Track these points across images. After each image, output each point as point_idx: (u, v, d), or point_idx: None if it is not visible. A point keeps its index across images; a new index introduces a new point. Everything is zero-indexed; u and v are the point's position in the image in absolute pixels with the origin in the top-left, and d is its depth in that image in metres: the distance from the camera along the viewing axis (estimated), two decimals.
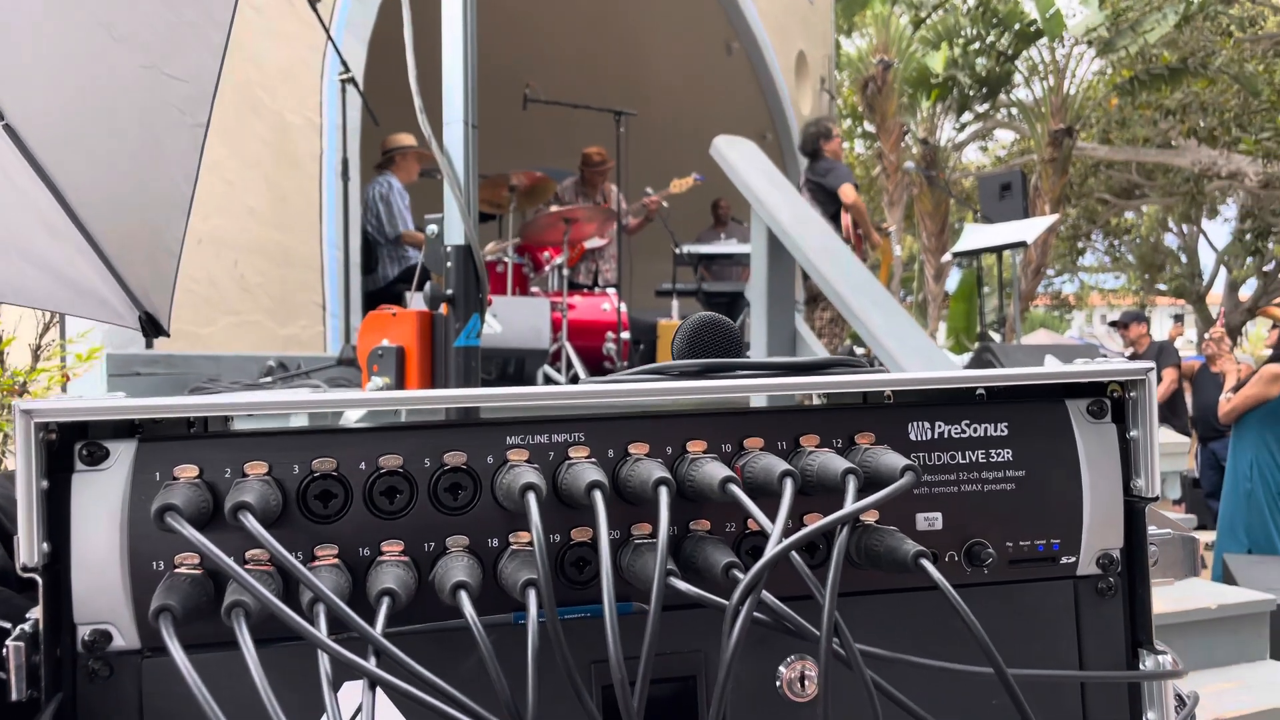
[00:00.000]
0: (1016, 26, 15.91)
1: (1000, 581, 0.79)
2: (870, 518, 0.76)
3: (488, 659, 0.58)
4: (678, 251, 8.50)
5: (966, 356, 7.52)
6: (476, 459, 0.71)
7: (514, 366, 5.67)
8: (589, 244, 7.34)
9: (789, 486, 0.66)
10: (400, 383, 2.50)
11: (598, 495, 0.64)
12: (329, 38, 5.05)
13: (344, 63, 5.11)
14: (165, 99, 1.13)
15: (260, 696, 0.55)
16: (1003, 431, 0.79)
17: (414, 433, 0.71)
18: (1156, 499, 0.80)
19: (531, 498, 0.63)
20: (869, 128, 15.79)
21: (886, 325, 3.17)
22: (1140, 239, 27.09)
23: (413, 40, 2.50)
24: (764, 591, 0.62)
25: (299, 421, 0.77)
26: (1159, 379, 8.83)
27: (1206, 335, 6.80)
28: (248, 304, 5.31)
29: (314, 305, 5.79)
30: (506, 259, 6.79)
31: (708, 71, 11.38)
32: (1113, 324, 10.17)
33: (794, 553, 0.62)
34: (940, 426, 0.78)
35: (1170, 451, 4.97)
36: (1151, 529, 0.84)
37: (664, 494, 0.65)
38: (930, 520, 0.77)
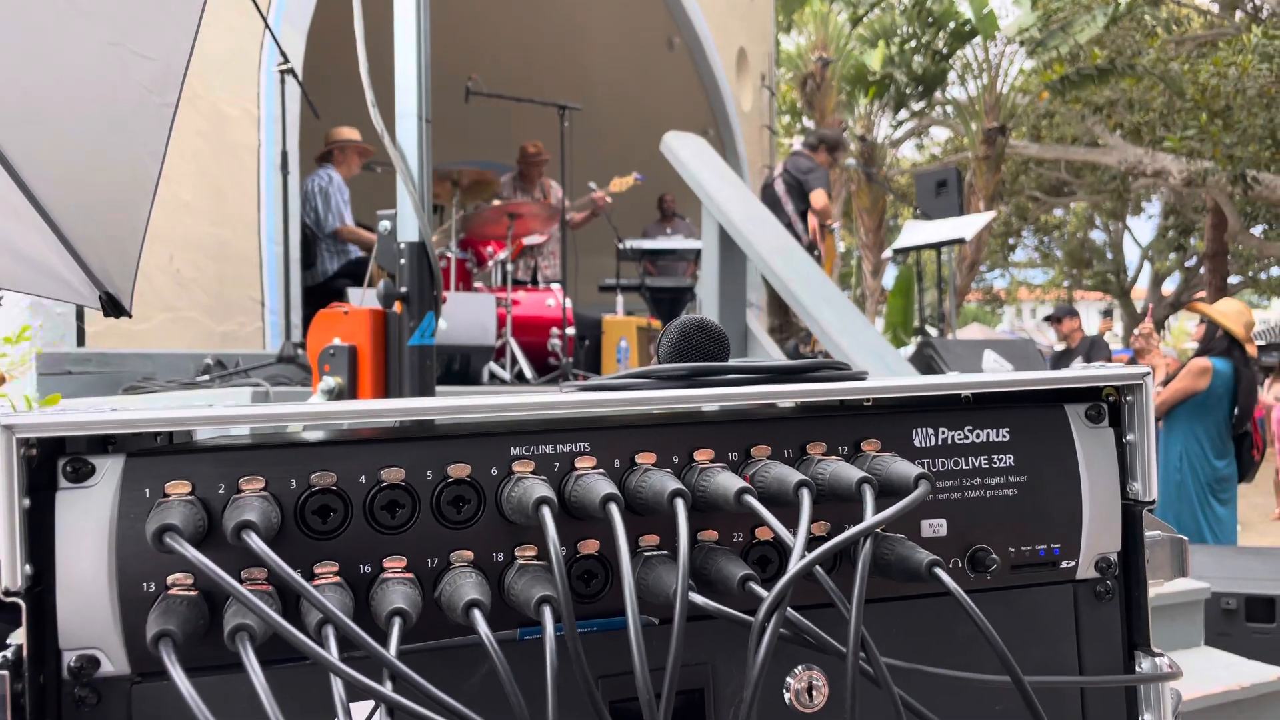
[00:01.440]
0: (951, 25, 16.17)
1: (1003, 587, 0.79)
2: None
3: (505, 680, 0.56)
4: (621, 247, 8.48)
5: (906, 350, 7.61)
6: (480, 471, 0.69)
7: (459, 363, 5.61)
8: (528, 240, 7.28)
9: (806, 498, 0.65)
10: (352, 383, 2.45)
11: (614, 509, 0.62)
12: (267, 27, 4.94)
13: (283, 53, 5.00)
14: (132, 77, 1.08)
15: None
16: (1004, 437, 0.79)
17: (416, 444, 0.68)
18: (1153, 503, 0.81)
19: (546, 512, 0.61)
20: (808, 124, 15.92)
21: (838, 322, 3.19)
22: (1068, 235, 27.75)
23: (364, 33, 2.45)
24: (793, 612, 0.61)
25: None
26: None
27: (1135, 330, 6.96)
28: (183, 300, 5.17)
29: (252, 301, 5.66)
30: (449, 254, 6.71)
31: (650, 66, 11.38)
32: (1046, 319, 10.38)
33: (817, 566, 0.61)
34: (944, 432, 0.78)
35: None
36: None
37: (681, 507, 0.63)
38: (935, 527, 0.77)
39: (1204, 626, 4.00)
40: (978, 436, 0.79)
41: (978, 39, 15.82)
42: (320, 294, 5.90)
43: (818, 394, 0.74)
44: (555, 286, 7.25)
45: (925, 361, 6.40)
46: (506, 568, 0.68)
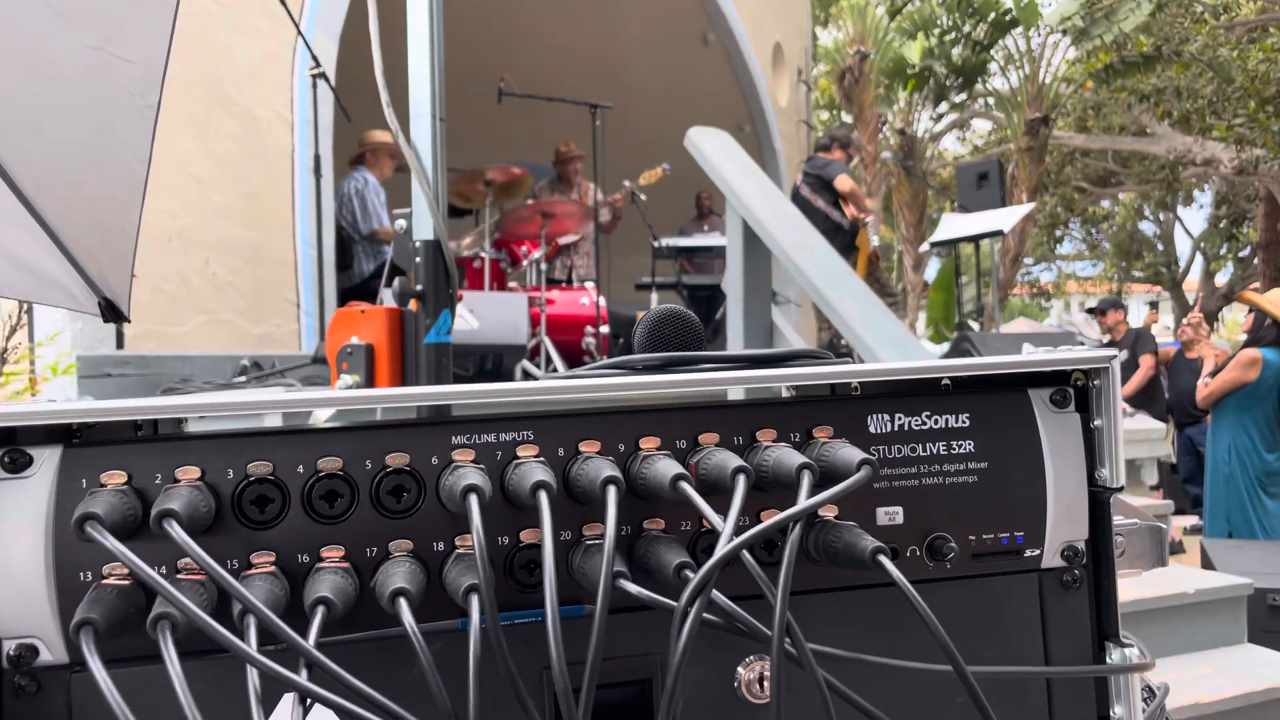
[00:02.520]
0: (992, 16, 15.94)
1: (963, 576, 0.77)
2: (829, 513, 0.74)
3: (426, 668, 0.56)
4: (656, 245, 8.48)
5: (945, 346, 7.53)
6: (420, 460, 0.69)
7: (492, 362, 5.64)
8: (563, 240, 7.31)
9: (741, 483, 0.64)
10: (370, 381, 2.47)
11: (543, 496, 0.62)
12: (299, 33, 4.99)
13: (314, 58, 5.06)
14: (114, 80, 1.10)
15: (185, 712, 0.52)
16: (964, 423, 0.77)
17: (354, 434, 0.68)
18: (1121, 489, 0.79)
19: (473, 500, 0.61)
20: (846, 119, 15.79)
21: (863, 316, 3.15)
22: (1117, 227, 27.26)
23: (379, 34, 2.47)
24: (715, 592, 0.60)
25: (242, 424, 0.74)
26: (1136, 365, 8.88)
27: (1184, 321, 6.82)
28: (219, 303, 5.26)
29: (287, 303, 5.73)
30: (483, 254, 6.75)
31: (684, 63, 11.36)
32: (1089, 311, 10.21)
33: (745, 552, 0.60)
34: (900, 418, 0.77)
35: (1147, 438, 4.99)
36: (1118, 519, 0.83)
37: (612, 493, 0.62)
38: (891, 514, 0.76)
39: (1248, 623, 3.90)
40: (936, 422, 0.77)
41: (1019, 29, 15.59)
42: (356, 295, 5.96)
43: (761, 381, 0.73)
44: (589, 285, 7.26)
45: (963, 355, 6.31)
46: (447, 557, 0.68)
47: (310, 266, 5.61)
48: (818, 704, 0.62)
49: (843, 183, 7.43)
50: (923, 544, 0.76)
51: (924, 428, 0.77)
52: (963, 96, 17.87)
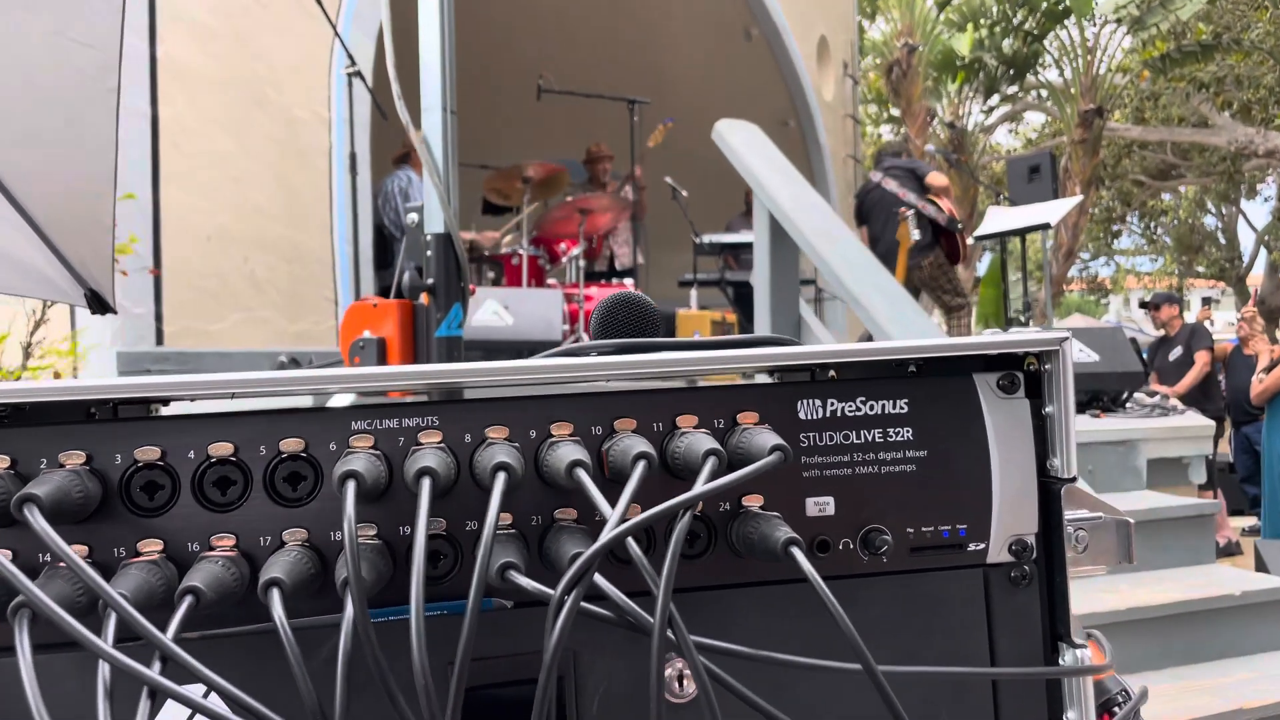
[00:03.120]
0: (1044, 5, 15.63)
1: (901, 571, 0.73)
2: (754, 503, 0.70)
3: (294, 663, 0.54)
4: (697, 241, 8.43)
5: None
6: (318, 446, 0.66)
7: (526, 357, 5.63)
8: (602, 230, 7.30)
9: (639, 469, 0.60)
10: None
11: (425, 484, 0.59)
12: (335, 32, 5.02)
13: (350, 57, 5.09)
14: (76, 65, 1.09)
15: (31, 705, 0.50)
16: (902, 409, 0.73)
17: (249, 419, 0.66)
18: (1074, 480, 0.74)
19: (351, 486, 0.58)
20: (894, 112, 15.59)
21: (890, 310, 3.09)
22: (1178, 220, 26.61)
23: (391, 26, 2.46)
24: (604, 582, 0.57)
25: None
26: (1191, 362, 8.64)
27: (1239, 315, 6.62)
28: (258, 300, 5.32)
29: (325, 300, 5.79)
30: (521, 251, 6.76)
31: (727, 59, 11.28)
32: (1142, 305, 9.96)
33: (632, 541, 0.56)
34: (833, 404, 0.73)
35: (1195, 435, 4.84)
36: (1081, 513, 0.78)
37: (500, 480, 0.59)
38: (821, 505, 0.72)
39: None
40: (871, 408, 0.73)
41: (1072, 18, 15.27)
42: (398, 294, 6.00)
43: (674, 365, 0.69)
44: (628, 281, 7.24)
45: None
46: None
47: (347, 264, 5.65)
48: (742, 704, 0.59)
49: (937, 179, 7.39)
50: (856, 536, 0.72)
51: (858, 414, 0.73)
52: (1014, 89, 17.56)
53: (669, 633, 0.54)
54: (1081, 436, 4.44)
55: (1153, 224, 26.74)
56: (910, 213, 6.76)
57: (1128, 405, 5.90)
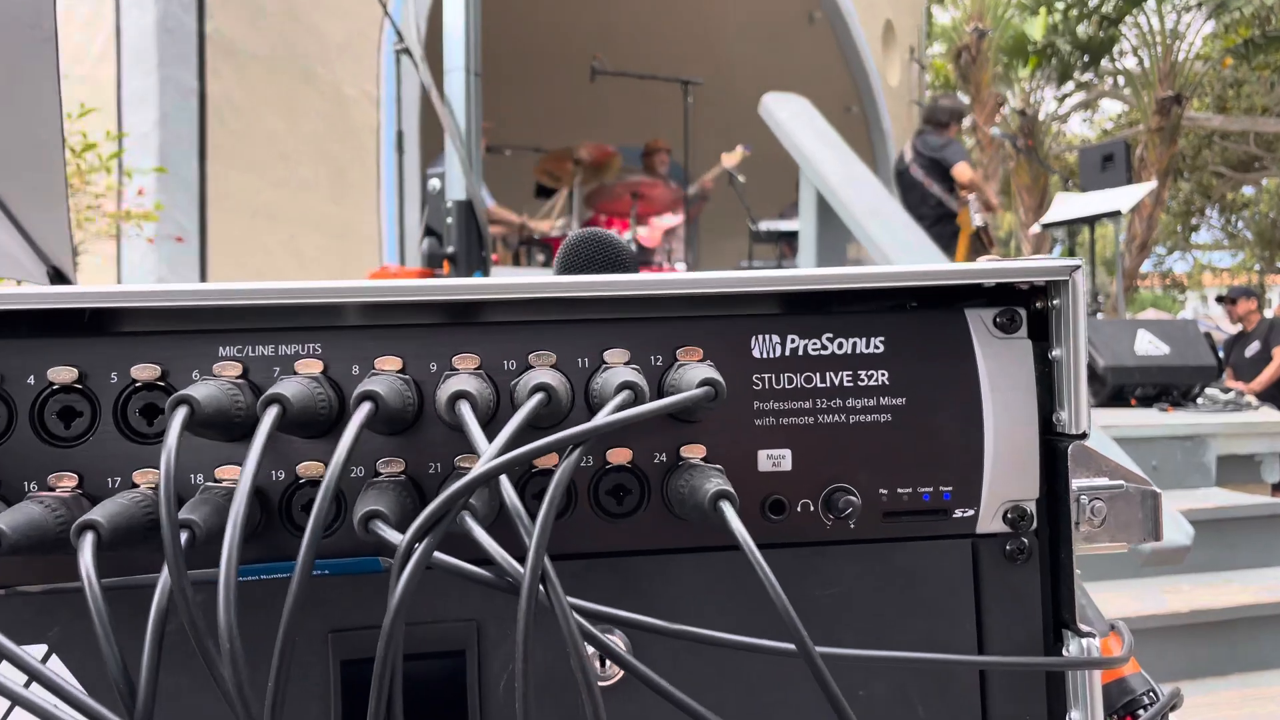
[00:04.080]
0: None
1: (872, 539, 0.62)
2: (694, 454, 0.59)
3: (98, 624, 0.44)
4: (754, 229, 8.28)
5: None
6: (178, 375, 0.57)
7: None
8: (657, 220, 7.17)
9: (531, 403, 0.50)
10: None
11: (270, 415, 0.49)
12: (384, 10, 4.98)
13: (399, 33, 5.04)
14: (9, 12, 1.01)
15: None
16: (877, 348, 0.62)
17: (97, 341, 0.57)
18: (1084, 436, 0.62)
19: (177, 417, 0.48)
20: (963, 99, 15.20)
21: None
22: (1259, 214, 25.63)
23: None
24: (478, 532, 0.47)
25: None
26: (1268, 358, 8.26)
27: None
28: (303, 276, 5.30)
29: None
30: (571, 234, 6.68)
31: (789, 42, 11.08)
32: (1219, 299, 9.57)
33: (503, 479, 0.46)
34: (794, 341, 0.61)
35: (1270, 431, 4.58)
36: (1101, 480, 0.66)
37: (361, 413, 0.49)
38: (776, 459, 0.61)
39: None
40: (840, 347, 0.62)
41: (1150, 2, 14.73)
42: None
43: (607, 287, 0.58)
44: (679, 265, 7.13)
45: None
46: (204, 492, 0.56)
47: (393, 242, 5.62)
48: (674, 682, 0.49)
49: (962, 173, 6.96)
50: (818, 497, 0.61)
51: (824, 353, 0.61)
52: (1089, 75, 17.02)
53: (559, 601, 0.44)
54: (1147, 431, 4.22)
55: (1233, 218, 25.81)
56: (972, 196, 6.50)
57: (1199, 400, 5.64)
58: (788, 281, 0.60)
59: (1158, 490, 0.69)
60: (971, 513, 0.62)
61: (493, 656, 0.59)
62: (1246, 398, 5.88)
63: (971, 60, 14.13)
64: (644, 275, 0.58)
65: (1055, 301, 0.62)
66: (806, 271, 0.60)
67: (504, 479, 0.46)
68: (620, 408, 0.50)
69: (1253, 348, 8.48)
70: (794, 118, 3.62)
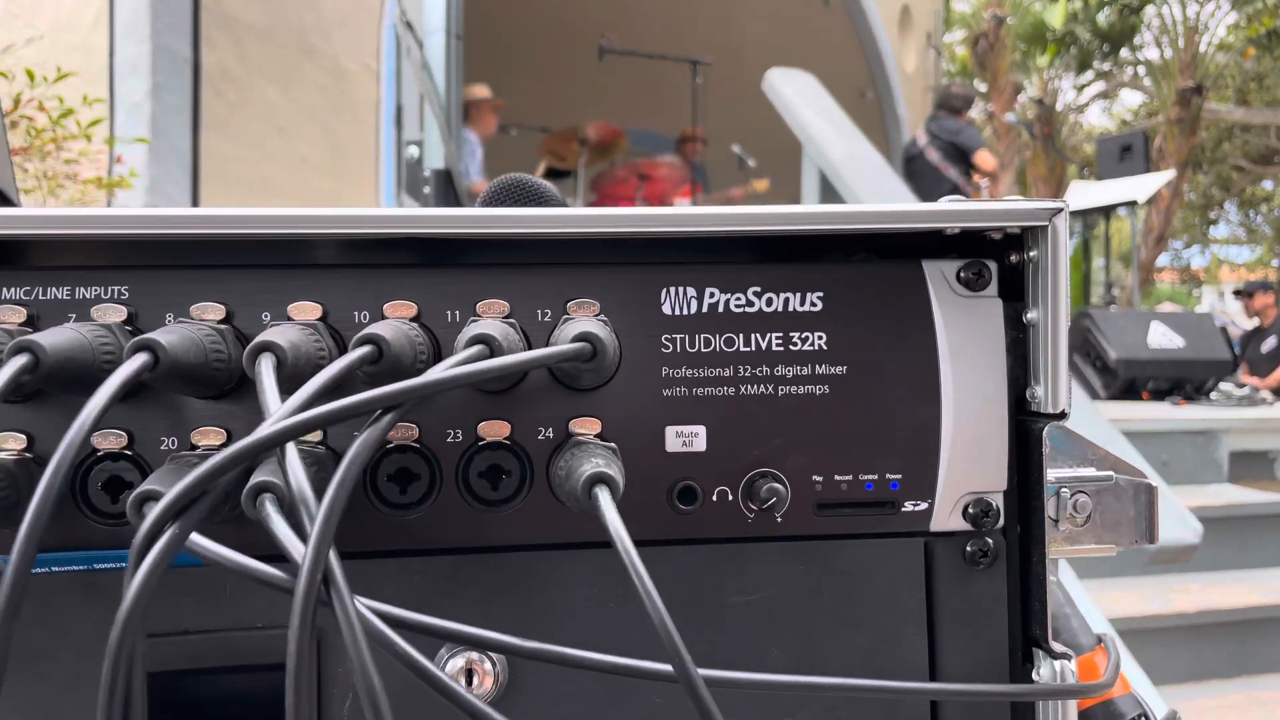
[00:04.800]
0: None
1: (803, 536, 0.51)
2: (587, 429, 0.49)
3: None
4: None
5: None
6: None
7: None
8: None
9: (348, 357, 0.40)
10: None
11: (17, 363, 0.39)
12: None
13: (401, 8, 4.93)
14: None
15: None
16: (814, 305, 0.51)
17: None
18: (1063, 417, 0.51)
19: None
20: (980, 87, 14.99)
21: None
22: (1278, 209, 25.29)
23: None
24: (279, 524, 0.36)
25: None
26: None
27: None
28: None
29: None
30: None
31: (803, 24, 10.90)
32: (1236, 293, 9.40)
33: (295, 453, 0.36)
34: (712, 295, 0.51)
35: None
36: (1086, 471, 0.55)
37: (133, 365, 0.39)
38: (688, 437, 0.50)
39: None
40: (769, 303, 0.51)
41: None
42: None
43: (487, 224, 0.48)
44: None
45: (1081, 334, 5.82)
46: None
47: None
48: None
49: (985, 160, 6.78)
50: (738, 484, 0.50)
51: (749, 310, 0.51)
52: (1109, 64, 16.76)
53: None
54: (1158, 425, 4.09)
55: (1251, 212, 25.48)
56: (985, 182, 6.35)
57: (1212, 395, 5.51)
58: (704, 222, 0.49)
59: (1153, 484, 0.58)
60: (925, 506, 0.51)
61: (337, 673, 0.49)
62: (1261, 393, 5.75)
63: (989, 47, 13.91)
64: (524, 211, 0.48)
65: (1032, 253, 0.51)
66: (726, 210, 0.49)
67: (292, 451, 0.35)
68: (464, 362, 0.39)
69: (1269, 343, 8.32)
70: (799, 94, 3.49)
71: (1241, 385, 5.90)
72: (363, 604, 0.34)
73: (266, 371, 0.38)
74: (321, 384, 0.37)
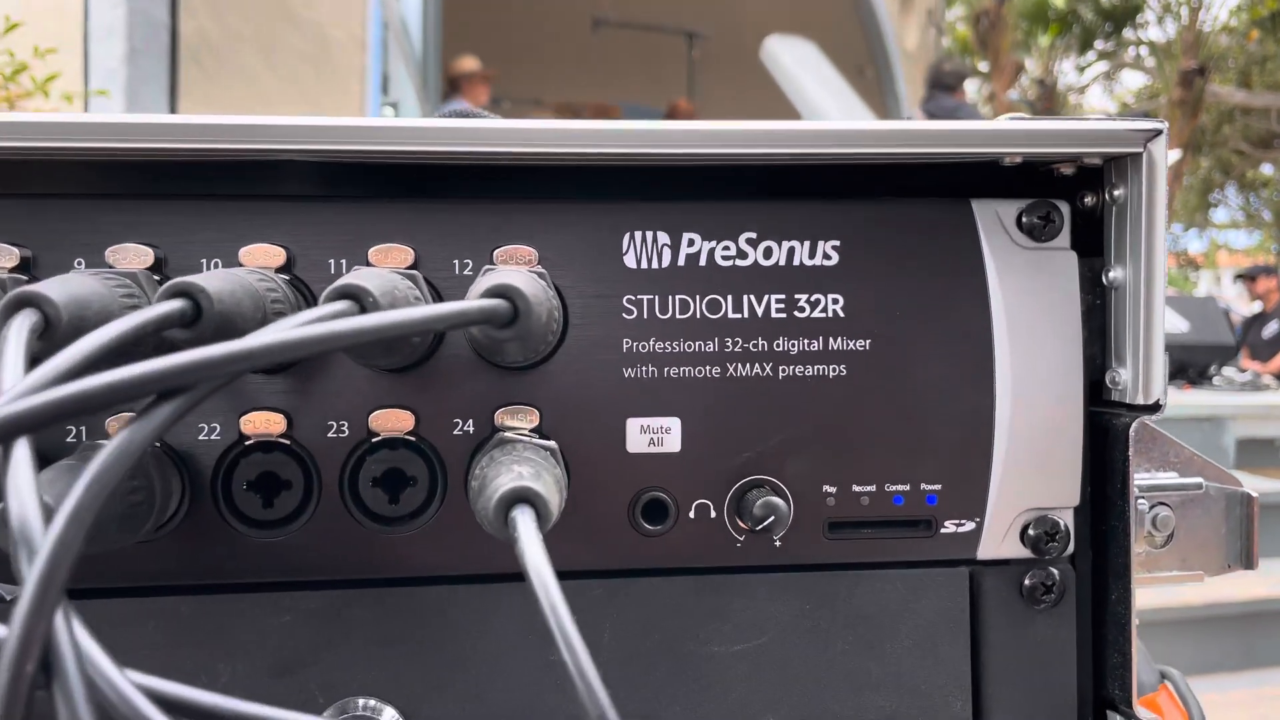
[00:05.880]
0: None
1: (810, 566, 0.38)
2: (520, 422, 0.36)
3: None
4: None
5: None
6: None
7: None
8: None
9: (147, 314, 0.27)
10: None
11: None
12: None
13: None
14: None
15: None
16: (827, 257, 0.38)
17: None
18: (1158, 408, 0.39)
19: None
20: (981, 67, 14.82)
21: None
22: (1279, 195, 25.17)
23: None
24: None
25: None
26: None
27: None
28: None
29: None
30: None
31: (802, 1, 10.73)
32: (1238, 276, 9.30)
33: (23, 452, 0.23)
34: (692, 244, 0.38)
35: None
36: (1167, 477, 0.43)
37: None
38: (656, 434, 0.37)
39: None
40: (767, 254, 0.38)
41: None
42: None
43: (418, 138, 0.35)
44: None
45: None
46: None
47: None
48: None
49: None
50: (723, 497, 0.38)
51: (740, 264, 0.38)
52: (1111, 44, 16.57)
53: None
54: (1165, 411, 3.98)
55: (1252, 196, 25.36)
56: None
57: (1215, 380, 5.41)
58: (682, 141, 0.36)
59: (1251, 492, 0.46)
60: (971, 526, 0.39)
61: None
62: (1264, 379, 5.66)
63: (991, 26, 13.71)
64: (431, 122, 0.35)
65: (1117, 192, 0.39)
66: (712, 127, 0.36)
67: (21, 457, 0.22)
68: (310, 326, 0.26)
69: (1271, 328, 8.20)
70: (799, 62, 3.35)
71: (1243, 370, 5.80)
72: (128, 681, 0.21)
73: (11, 338, 0.25)
74: (78, 357, 0.24)
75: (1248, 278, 8.59)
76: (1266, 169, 23.81)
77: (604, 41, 7.03)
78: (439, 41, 2.36)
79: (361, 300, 0.28)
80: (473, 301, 0.29)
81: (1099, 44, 16.27)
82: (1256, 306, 8.47)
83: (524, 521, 0.28)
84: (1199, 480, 0.45)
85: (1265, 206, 25.90)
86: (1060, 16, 15.11)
